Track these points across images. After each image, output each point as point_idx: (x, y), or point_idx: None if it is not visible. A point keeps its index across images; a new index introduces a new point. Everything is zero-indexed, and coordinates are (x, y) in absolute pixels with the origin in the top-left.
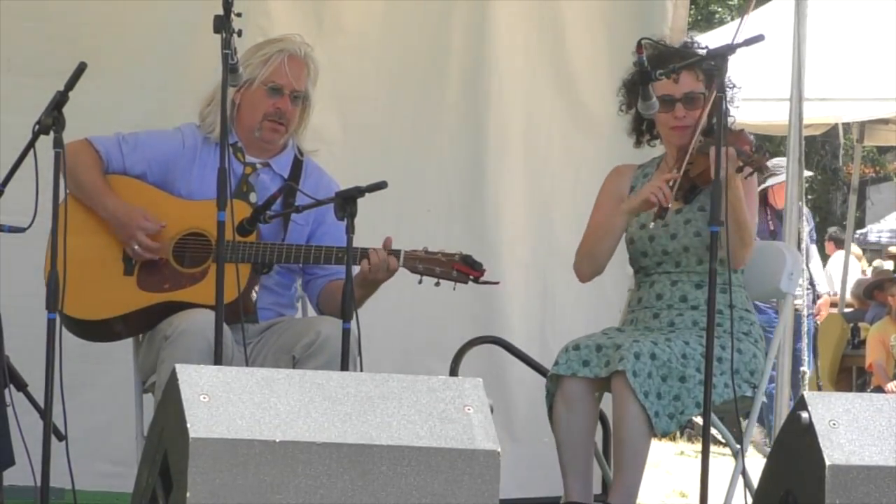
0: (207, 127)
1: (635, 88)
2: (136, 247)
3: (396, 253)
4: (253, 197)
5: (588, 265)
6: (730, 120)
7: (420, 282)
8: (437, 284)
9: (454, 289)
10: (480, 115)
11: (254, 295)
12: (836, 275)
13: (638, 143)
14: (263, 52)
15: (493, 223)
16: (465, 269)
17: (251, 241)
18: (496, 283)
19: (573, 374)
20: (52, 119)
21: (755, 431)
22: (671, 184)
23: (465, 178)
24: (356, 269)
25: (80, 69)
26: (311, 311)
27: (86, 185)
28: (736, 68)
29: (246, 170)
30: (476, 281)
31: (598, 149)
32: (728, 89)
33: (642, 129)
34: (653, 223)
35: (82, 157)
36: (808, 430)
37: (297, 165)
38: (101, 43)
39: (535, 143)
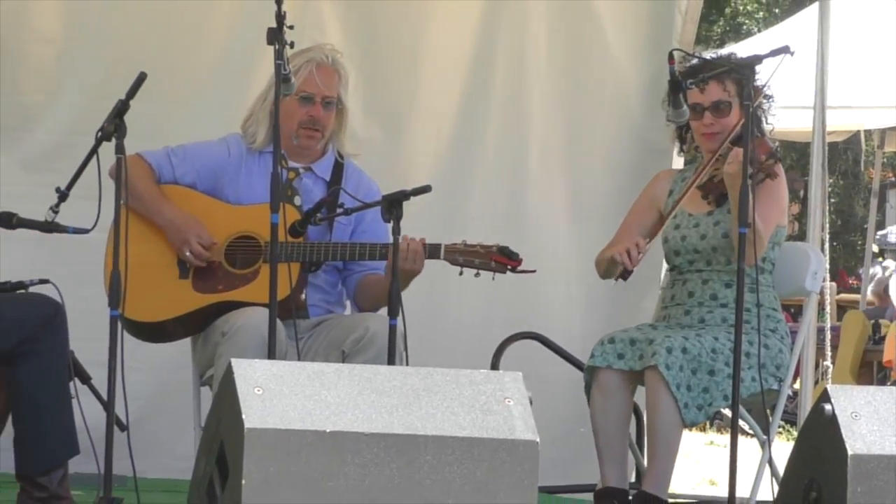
0: (249, 137)
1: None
2: (189, 253)
3: (437, 247)
4: (297, 200)
5: (600, 273)
6: (767, 128)
7: (461, 273)
8: (477, 275)
9: (493, 278)
10: (522, 125)
11: (304, 294)
12: None
13: (682, 150)
14: (293, 63)
15: (534, 231)
16: (503, 260)
17: (299, 242)
18: (533, 271)
19: (608, 366)
20: (115, 126)
21: None
22: (639, 250)
23: (508, 188)
24: (382, 265)
25: (141, 79)
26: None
27: (142, 195)
28: (764, 78)
29: (290, 175)
30: (514, 270)
31: (635, 152)
32: (765, 99)
33: (685, 137)
34: (614, 281)
35: (136, 169)
36: (832, 421)
37: (339, 168)
38: (163, 66)
39: (576, 152)
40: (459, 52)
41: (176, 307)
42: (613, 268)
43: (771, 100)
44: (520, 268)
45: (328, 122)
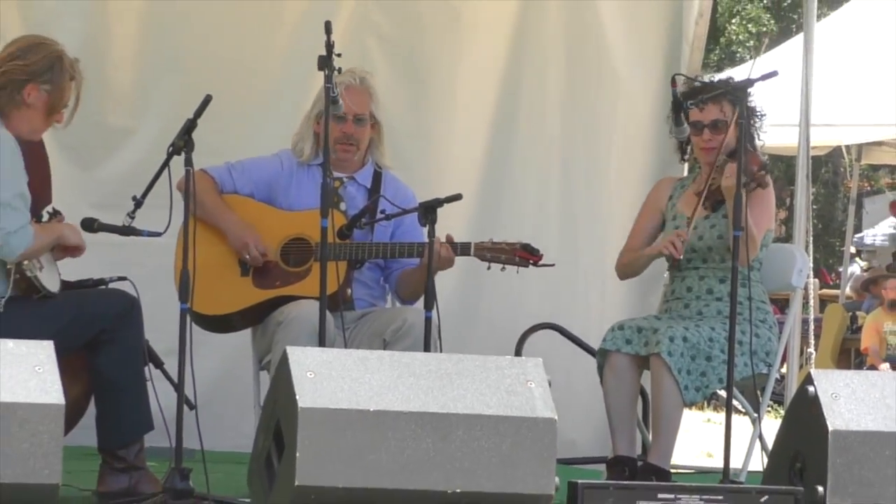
0: (298, 153)
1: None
2: (248, 256)
3: (467, 245)
4: (343, 206)
5: (623, 274)
6: (759, 144)
7: (489, 268)
8: (503, 269)
9: (517, 272)
10: (545, 143)
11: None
12: None
13: (682, 160)
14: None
15: (555, 234)
16: (526, 255)
17: (346, 243)
18: (552, 265)
19: (618, 350)
20: (184, 142)
21: None
22: (682, 240)
23: (532, 197)
24: (417, 261)
25: (206, 101)
26: (399, 303)
27: (207, 205)
28: (755, 98)
29: (335, 184)
30: (535, 264)
31: (646, 163)
32: (756, 118)
33: (685, 149)
34: (666, 273)
35: (201, 183)
36: (814, 401)
37: (377, 177)
38: (228, 89)
39: (593, 165)
40: (489, 82)
41: (238, 301)
42: (630, 270)
43: (762, 118)
44: (541, 262)
45: (361, 137)
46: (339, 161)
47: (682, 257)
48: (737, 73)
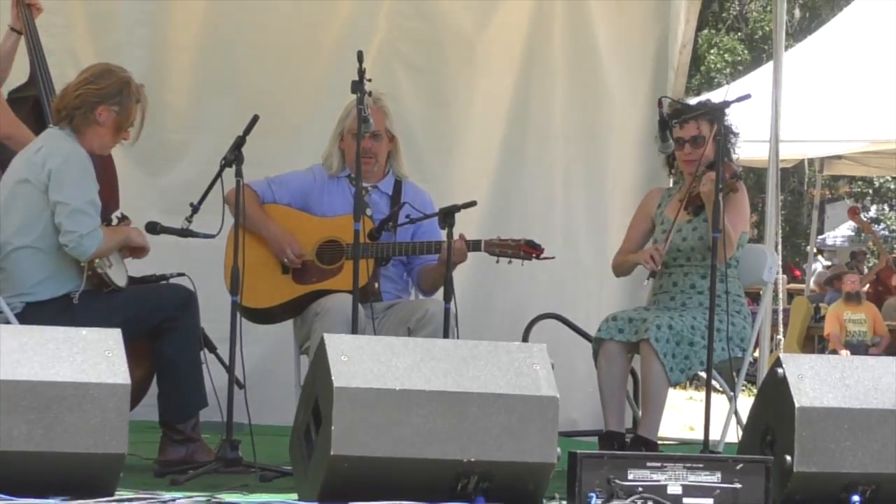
0: (328, 167)
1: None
2: (286, 259)
3: (478, 242)
4: (368, 211)
5: (617, 273)
6: (735, 157)
7: (497, 261)
8: (510, 262)
9: (522, 265)
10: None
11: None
12: None
13: (670, 174)
14: (346, 109)
15: (559, 237)
16: (529, 250)
17: (373, 243)
18: (552, 257)
19: (611, 338)
20: (234, 156)
21: None
22: (659, 254)
23: (539, 203)
24: (436, 257)
25: (254, 120)
26: (421, 295)
27: (250, 215)
28: (731, 118)
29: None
30: (538, 257)
31: (638, 174)
32: (732, 135)
33: (672, 163)
34: (646, 281)
35: (245, 196)
36: (783, 381)
37: (398, 186)
38: (271, 110)
39: (592, 176)
40: (501, 104)
41: (280, 296)
42: (624, 269)
43: (737, 136)
44: (542, 255)
45: (378, 150)
46: (373, 174)
47: (659, 268)
48: (715, 97)
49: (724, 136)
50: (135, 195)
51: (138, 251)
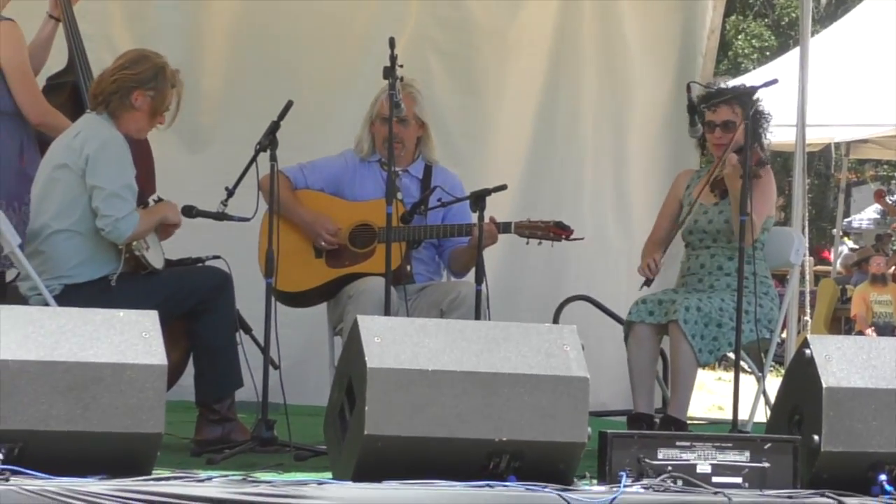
0: (359, 151)
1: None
2: (322, 242)
3: (508, 224)
4: (399, 195)
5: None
6: (766, 142)
7: (527, 242)
8: (540, 244)
9: (552, 246)
10: (580, 141)
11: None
12: None
13: (703, 154)
14: (375, 96)
15: (589, 220)
16: (559, 231)
17: (404, 226)
18: (581, 238)
19: (641, 321)
20: (269, 140)
21: None
22: (656, 264)
23: (569, 186)
24: (466, 240)
25: (288, 106)
26: (453, 278)
27: (283, 201)
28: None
29: (392, 176)
30: (567, 238)
31: (666, 158)
32: (764, 120)
33: (704, 145)
34: (639, 289)
35: (279, 182)
36: (811, 362)
37: (428, 170)
38: (305, 95)
39: (621, 161)
40: (531, 90)
41: (315, 279)
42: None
43: (769, 120)
44: (572, 236)
45: (405, 135)
46: (400, 157)
47: (654, 278)
48: (745, 81)
49: (755, 121)
50: (169, 178)
51: (173, 227)
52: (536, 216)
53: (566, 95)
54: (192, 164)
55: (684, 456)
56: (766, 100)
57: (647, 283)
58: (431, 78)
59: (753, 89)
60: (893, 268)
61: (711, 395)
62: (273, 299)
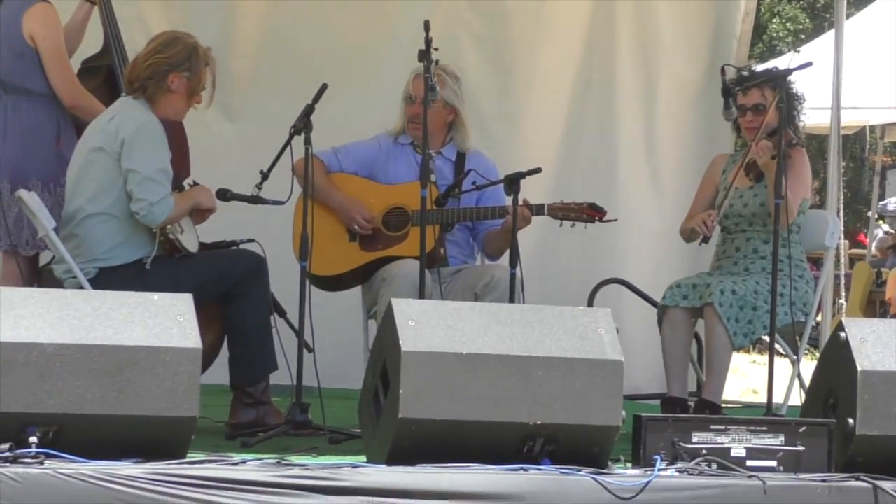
0: (394, 129)
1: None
2: (356, 226)
3: (542, 206)
4: (433, 177)
5: (685, 239)
6: (801, 124)
7: (560, 224)
8: (573, 226)
9: (585, 227)
10: (613, 123)
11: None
12: None
13: (739, 136)
14: (407, 78)
15: (622, 204)
16: (592, 213)
17: (437, 209)
18: (615, 220)
19: (676, 305)
20: (304, 123)
21: None
22: (711, 220)
23: (602, 169)
24: (500, 222)
25: (323, 89)
26: (487, 260)
27: (317, 185)
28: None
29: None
30: (601, 220)
31: (699, 141)
32: (798, 102)
33: (740, 128)
34: (698, 245)
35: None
36: (845, 345)
37: (461, 153)
38: (342, 74)
39: (654, 145)
40: (565, 72)
41: (349, 263)
42: (695, 235)
43: (803, 103)
44: (605, 218)
45: (429, 117)
46: (420, 139)
47: (710, 234)
48: (778, 64)
49: (788, 104)
50: (200, 157)
51: (208, 212)
52: (569, 199)
53: (599, 78)
54: (222, 144)
55: (719, 439)
56: (802, 83)
57: (705, 240)
58: (464, 60)
59: (788, 72)
60: None
61: (746, 378)
62: (307, 282)
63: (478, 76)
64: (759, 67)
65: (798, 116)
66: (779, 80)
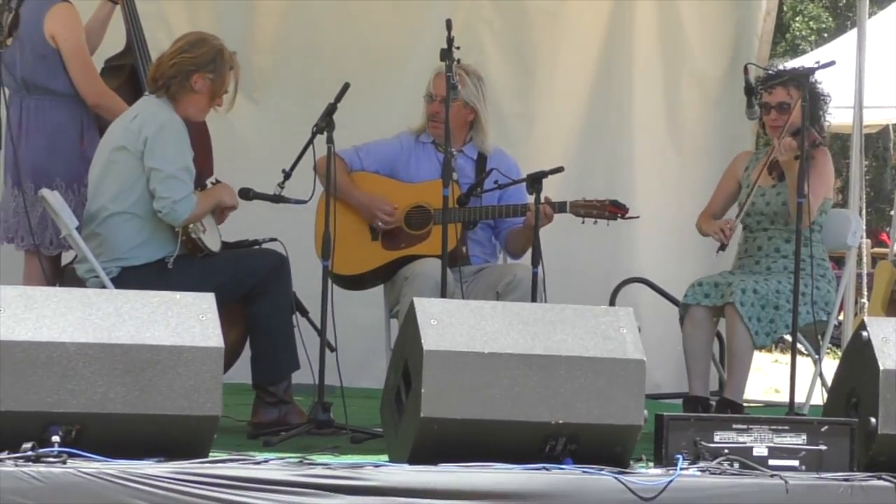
0: (414, 131)
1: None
2: (379, 222)
3: (563, 203)
4: (455, 176)
5: (701, 232)
6: (825, 124)
7: (583, 222)
8: (595, 223)
9: (608, 225)
10: (632, 121)
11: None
12: None
13: (764, 134)
14: (429, 77)
15: (640, 202)
16: (614, 210)
17: (459, 207)
18: (637, 217)
19: (697, 303)
20: (326, 123)
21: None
22: (729, 228)
23: (623, 166)
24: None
25: (345, 88)
26: (510, 259)
27: (339, 184)
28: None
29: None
30: (623, 217)
31: (721, 140)
32: (823, 101)
33: (764, 127)
34: (716, 254)
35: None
36: (868, 344)
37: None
38: (362, 72)
39: (674, 145)
40: (585, 70)
41: (371, 262)
42: (704, 231)
43: (828, 102)
44: (627, 215)
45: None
46: (440, 137)
47: (728, 243)
48: (803, 62)
49: (812, 103)
50: (221, 153)
51: (229, 210)
52: (591, 196)
53: (619, 76)
54: (243, 140)
55: (741, 439)
56: (825, 82)
57: (723, 247)
58: (485, 57)
59: (811, 70)
60: None
61: (768, 377)
62: (330, 281)
63: (498, 74)
64: (785, 66)
65: (823, 116)
66: (802, 79)
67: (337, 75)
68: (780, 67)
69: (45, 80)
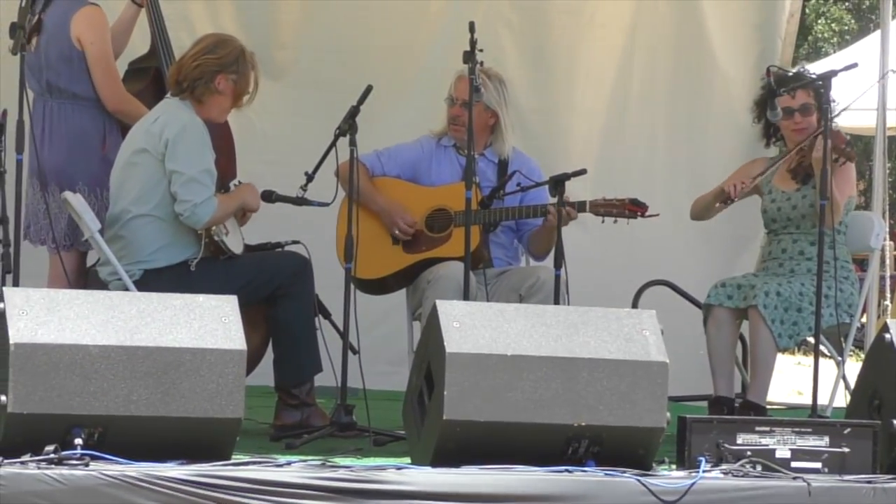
0: (435, 135)
1: (763, 104)
2: (397, 231)
3: (583, 203)
4: (476, 179)
5: (693, 214)
6: (832, 125)
7: (602, 221)
8: (615, 222)
9: (627, 223)
10: (652, 124)
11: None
12: None
13: (767, 144)
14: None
15: (660, 204)
16: (634, 208)
17: (479, 209)
18: (656, 215)
19: (720, 305)
20: (349, 125)
21: None
22: (744, 186)
23: (641, 168)
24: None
25: (368, 90)
26: (532, 262)
27: (361, 189)
28: (839, 86)
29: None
30: (643, 215)
31: (741, 142)
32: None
33: (770, 133)
34: (717, 206)
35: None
36: (891, 346)
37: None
38: (383, 71)
39: (693, 143)
40: (606, 69)
41: (393, 266)
42: (712, 202)
43: (836, 106)
44: (647, 213)
45: (465, 119)
46: (461, 140)
47: (735, 199)
48: (825, 65)
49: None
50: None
51: (250, 212)
52: (611, 195)
53: (640, 75)
54: (263, 138)
55: (763, 441)
56: (847, 83)
57: (726, 201)
58: (504, 56)
59: (834, 73)
60: None
61: (791, 379)
62: (352, 284)
63: (517, 71)
64: (810, 67)
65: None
66: (824, 82)
67: (357, 75)
68: (801, 69)
69: (68, 84)
